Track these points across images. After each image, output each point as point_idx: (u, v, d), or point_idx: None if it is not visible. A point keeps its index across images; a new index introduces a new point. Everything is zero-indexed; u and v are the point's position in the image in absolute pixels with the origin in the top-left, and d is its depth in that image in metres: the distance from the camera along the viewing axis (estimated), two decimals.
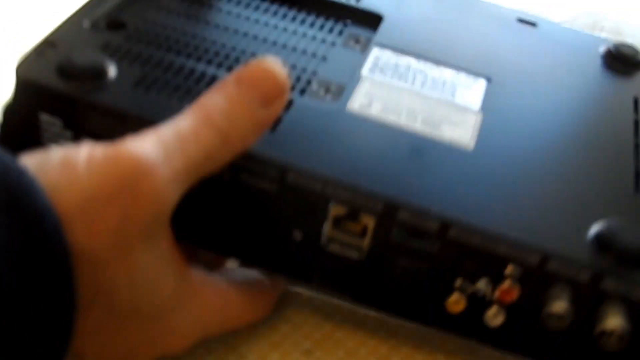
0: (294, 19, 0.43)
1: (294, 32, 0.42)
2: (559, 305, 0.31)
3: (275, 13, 0.43)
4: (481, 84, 0.40)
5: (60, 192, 0.27)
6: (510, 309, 0.33)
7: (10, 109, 0.35)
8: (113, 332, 0.31)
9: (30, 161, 0.28)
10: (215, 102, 0.32)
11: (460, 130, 0.37)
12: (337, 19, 0.44)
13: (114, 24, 0.39)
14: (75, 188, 0.27)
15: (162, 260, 0.31)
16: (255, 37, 0.41)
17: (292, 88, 0.37)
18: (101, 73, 0.35)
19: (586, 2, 0.65)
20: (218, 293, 0.34)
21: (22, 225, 0.25)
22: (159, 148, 0.29)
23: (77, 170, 0.28)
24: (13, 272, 0.25)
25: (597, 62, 0.44)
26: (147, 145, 0.29)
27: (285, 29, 0.42)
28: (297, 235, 0.34)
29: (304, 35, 0.42)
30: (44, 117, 0.35)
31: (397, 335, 0.38)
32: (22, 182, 0.26)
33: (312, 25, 0.43)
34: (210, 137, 0.31)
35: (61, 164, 0.28)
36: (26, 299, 0.25)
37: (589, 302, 0.32)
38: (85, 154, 0.28)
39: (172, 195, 0.30)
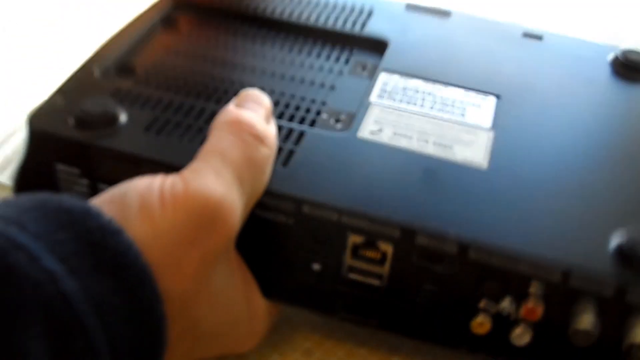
0: (300, 51, 0.43)
1: (301, 64, 0.42)
2: (585, 322, 0.31)
3: (282, 47, 0.43)
4: (491, 102, 0.40)
5: (146, 244, 0.28)
6: (536, 327, 0.33)
7: (25, 161, 0.36)
8: (196, 352, 0.32)
9: (112, 212, 0.28)
10: (236, 113, 0.33)
11: (473, 150, 0.37)
12: (343, 48, 0.44)
13: (124, 70, 0.40)
14: (157, 239, 0.28)
15: (233, 274, 0.33)
16: (263, 72, 0.41)
17: (302, 120, 0.38)
18: (113, 119, 0.35)
19: (606, 18, 0.65)
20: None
21: (125, 288, 0.26)
22: (219, 181, 0.30)
23: (155, 219, 0.28)
24: (117, 327, 0.26)
25: (606, 70, 0.44)
26: (211, 181, 0.30)
27: (292, 62, 0.42)
28: (317, 266, 0.34)
29: (311, 66, 0.42)
30: (61, 167, 0.35)
31: (397, 335, 0.37)
32: (122, 247, 0.27)
33: (318, 55, 0.43)
34: (255, 146, 0.32)
35: (141, 214, 0.28)
36: (127, 346, 0.27)
37: (615, 316, 0.31)
38: (157, 196, 0.29)
39: (238, 219, 0.31)
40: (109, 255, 0.26)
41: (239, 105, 0.34)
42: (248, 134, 0.32)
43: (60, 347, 0.24)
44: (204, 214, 0.29)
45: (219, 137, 0.32)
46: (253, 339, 0.35)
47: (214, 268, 0.30)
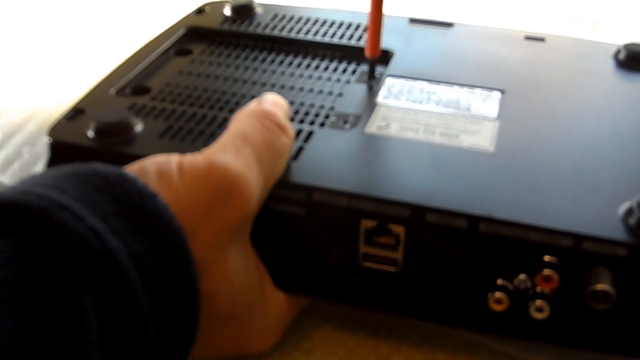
0: (308, 66, 0.45)
1: (310, 77, 0.44)
2: (603, 282, 0.30)
3: (290, 64, 0.45)
4: (496, 96, 0.41)
5: None
6: (554, 300, 0.32)
7: None
8: (210, 336, 0.32)
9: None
10: (259, 105, 0.34)
11: (479, 137, 0.37)
12: (350, 61, 0.45)
13: (139, 90, 0.42)
14: (174, 202, 0.29)
15: (249, 260, 0.33)
16: (274, 85, 0.43)
17: (312, 123, 0.39)
18: (129, 127, 0.37)
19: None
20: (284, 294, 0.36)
21: (162, 249, 0.27)
22: (238, 158, 0.31)
23: (174, 185, 0.29)
24: (156, 285, 0.27)
25: (610, 63, 0.45)
26: (230, 157, 0.31)
27: (301, 75, 0.44)
28: (333, 257, 0.35)
29: (319, 78, 0.43)
30: None
31: (397, 335, 0.38)
32: (159, 210, 0.28)
33: (326, 69, 0.45)
34: (276, 133, 0.33)
35: (158, 180, 0.30)
36: (164, 304, 0.27)
37: (630, 280, 0.31)
38: (176, 166, 0.30)
39: (255, 198, 0.31)
40: (147, 217, 0.27)
41: (259, 104, 0.35)
42: (271, 122, 0.33)
43: (107, 301, 0.25)
44: (222, 185, 0.30)
45: (242, 122, 0.33)
46: (266, 336, 0.35)
47: (229, 243, 0.31)
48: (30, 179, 0.28)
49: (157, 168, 0.30)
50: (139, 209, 0.27)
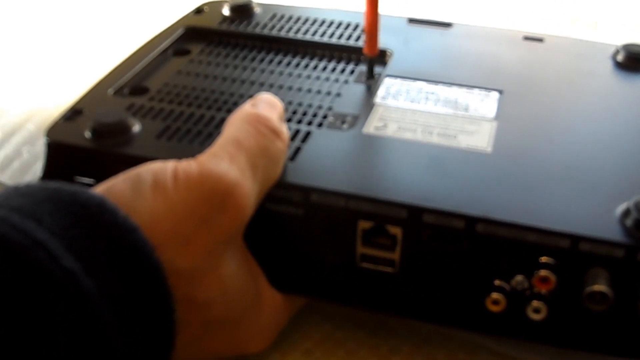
0: (306, 66, 0.45)
1: (308, 77, 0.43)
2: (600, 283, 0.30)
3: (288, 64, 0.45)
4: (494, 96, 0.41)
5: (158, 217, 0.29)
6: (551, 301, 0.32)
7: (43, 175, 0.37)
8: (206, 341, 0.32)
9: (126, 187, 0.29)
10: (253, 109, 0.34)
11: (477, 138, 0.37)
12: (349, 61, 0.45)
13: (137, 90, 0.42)
14: (169, 212, 0.29)
15: (243, 264, 0.33)
16: (271, 85, 0.43)
17: (310, 123, 0.39)
18: (126, 128, 0.37)
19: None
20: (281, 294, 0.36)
21: (139, 285, 0.27)
22: (233, 165, 0.31)
23: (169, 195, 0.29)
24: (130, 322, 0.26)
25: (608, 64, 0.45)
26: (225, 165, 0.31)
27: (300, 75, 0.44)
28: (330, 258, 0.35)
29: (318, 78, 0.43)
30: (78, 181, 0.36)
31: (397, 335, 0.38)
32: (138, 245, 0.27)
33: (324, 69, 0.45)
34: (271, 138, 0.33)
35: (153, 189, 0.29)
36: (139, 338, 0.27)
37: (627, 281, 0.31)
38: (171, 175, 0.30)
39: (250, 206, 0.31)
40: (125, 252, 0.27)
41: (254, 105, 0.35)
42: (265, 127, 0.33)
43: (78, 345, 0.25)
44: (217, 193, 0.30)
45: (236, 127, 0.33)
46: (263, 337, 0.35)
47: (225, 251, 0.31)
48: (9, 197, 0.26)
49: (152, 177, 0.30)
50: (117, 244, 0.26)
